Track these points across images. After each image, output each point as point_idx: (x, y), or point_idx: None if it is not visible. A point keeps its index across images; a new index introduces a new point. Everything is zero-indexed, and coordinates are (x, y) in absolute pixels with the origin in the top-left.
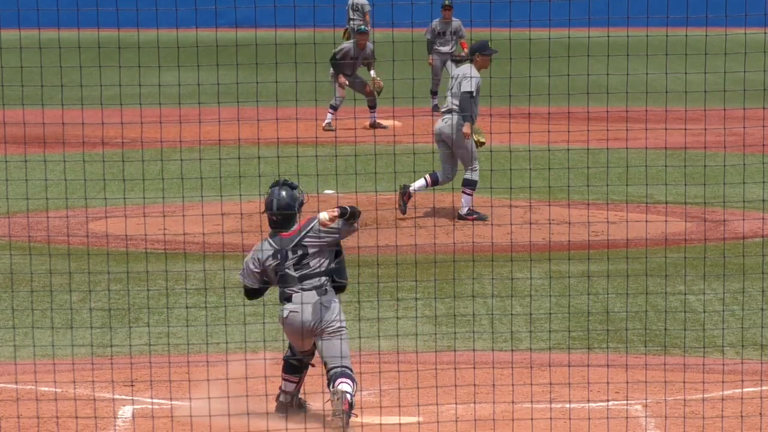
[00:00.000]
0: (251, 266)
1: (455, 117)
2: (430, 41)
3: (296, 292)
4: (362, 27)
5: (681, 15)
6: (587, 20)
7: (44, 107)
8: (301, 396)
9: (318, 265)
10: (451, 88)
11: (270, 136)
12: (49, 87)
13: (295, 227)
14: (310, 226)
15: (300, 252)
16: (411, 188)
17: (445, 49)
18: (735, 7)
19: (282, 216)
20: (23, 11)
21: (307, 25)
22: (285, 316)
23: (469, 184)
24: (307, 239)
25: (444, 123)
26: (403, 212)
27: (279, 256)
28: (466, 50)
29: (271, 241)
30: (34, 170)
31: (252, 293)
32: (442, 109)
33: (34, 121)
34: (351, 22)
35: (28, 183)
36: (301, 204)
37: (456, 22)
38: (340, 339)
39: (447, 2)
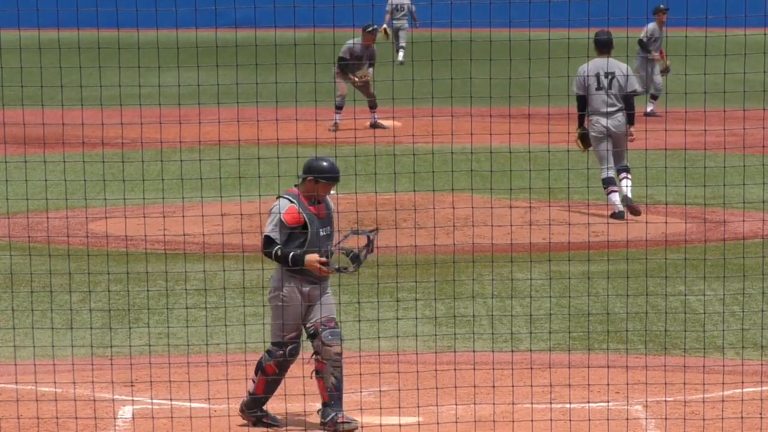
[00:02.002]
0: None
1: (623, 115)
2: (645, 43)
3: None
4: (371, 28)
5: (681, 16)
6: (587, 21)
7: (44, 108)
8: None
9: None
10: (609, 87)
11: (270, 137)
12: (48, 87)
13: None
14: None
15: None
16: (629, 199)
17: (656, 55)
18: (735, 8)
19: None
20: (23, 11)
21: (307, 26)
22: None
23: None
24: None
25: (618, 121)
26: (636, 213)
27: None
28: (667, 60)
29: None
30: (34, 171)
31: (275, 245)
32: (610, 109)
33: (34, 121)
34: (394, 22)
35: (28, 183)
36: None
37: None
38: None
39: (662, 6)
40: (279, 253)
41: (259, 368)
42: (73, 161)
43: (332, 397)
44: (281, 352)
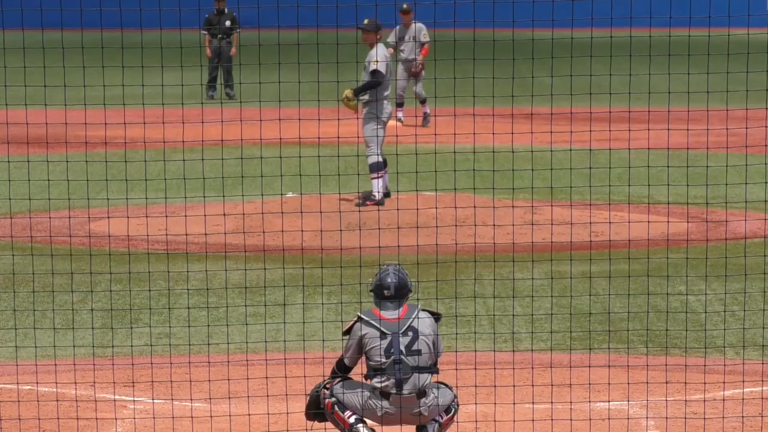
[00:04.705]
0: (355, 347)
1: None
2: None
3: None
4: None
5: (683, 15)
6: (590, 21)
7: (47, 107)
8: None
9: (428, 354)
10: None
11: (272, 137)
12: (51, 87)
13: (401, 312)
14: (416, 313)
15: (411, 335)
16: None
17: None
18: (737, 8)
19: (397, 292)
20: (26, 11)
21: (309, 26)
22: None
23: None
24: (415, 323)
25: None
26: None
27: (390, 339)
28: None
29: (372, 322)
30: (36, 170)
31: (346, 370)
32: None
33: (36, 121)
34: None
35: (30, 183)
36: (410, 291)
37: None
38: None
39: (405, 6)
40: None
41: None
42: (75, 161)
43: None
44: None
